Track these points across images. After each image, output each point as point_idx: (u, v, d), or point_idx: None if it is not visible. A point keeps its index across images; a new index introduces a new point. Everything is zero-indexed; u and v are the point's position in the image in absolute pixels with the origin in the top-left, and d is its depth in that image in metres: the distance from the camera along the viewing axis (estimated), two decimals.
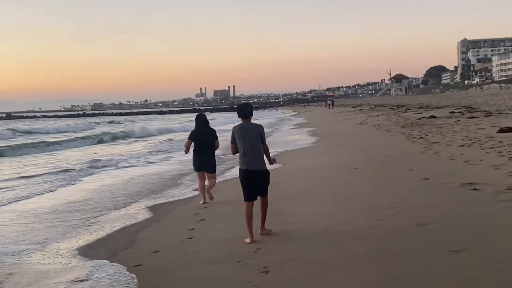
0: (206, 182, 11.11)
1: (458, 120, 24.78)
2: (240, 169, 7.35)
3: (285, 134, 31.02)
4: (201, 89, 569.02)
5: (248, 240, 7.12)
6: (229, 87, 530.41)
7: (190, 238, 7.86)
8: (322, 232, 7.22)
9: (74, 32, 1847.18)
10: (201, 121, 11.00)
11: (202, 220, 9.15)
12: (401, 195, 9.14)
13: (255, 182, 7.25)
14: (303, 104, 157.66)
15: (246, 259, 6.36)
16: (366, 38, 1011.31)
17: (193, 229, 8.47)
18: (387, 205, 8.39)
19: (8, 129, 57.35)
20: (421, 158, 13.61)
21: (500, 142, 14.34)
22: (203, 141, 10.83)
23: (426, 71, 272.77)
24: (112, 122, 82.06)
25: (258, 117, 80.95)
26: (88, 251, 7.71)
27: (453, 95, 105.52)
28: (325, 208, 8.86)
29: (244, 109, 7.35)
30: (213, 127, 11.35)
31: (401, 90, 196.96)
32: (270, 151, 7.77)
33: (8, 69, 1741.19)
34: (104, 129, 57.25)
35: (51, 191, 14.06)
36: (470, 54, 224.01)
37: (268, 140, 8.61)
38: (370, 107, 64.99)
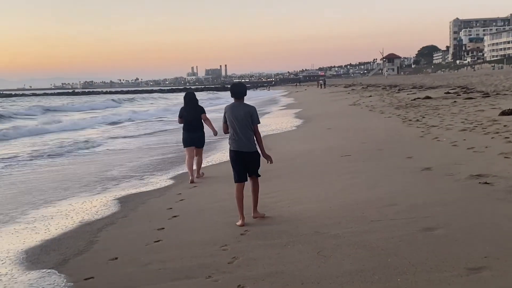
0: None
1: (454, 101, 23.71)
2: (230, 150, 7.23)
3: (273, 116, 29.72)
4: (192, 68, 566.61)
5: (239, 223, 7.02)
6: (220, 66, 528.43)
7: (157, 241, 6.72)
8: (311, 237, 6.10)
9: (64, 9, 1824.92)
10: (189, 99, 11.38)
11: (175, 217, 7.99)
12: (401, 189, 8.06)
13: (244, 163, 7.13)
14: (295, 84, 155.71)
15: (219, 273, 5.24)
16: (358, 18, 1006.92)
17: (163, 228, 7.34)
18: (385, 202, 7.30)
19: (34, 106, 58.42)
20: (420, 143, 12.52)
21: (505, 126, 13.29)
22: (191, 117, 11.19)
23: (418, 51, 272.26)
24: (132, 99, 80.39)
25: (249, 97, 79.69)
26: (37, 256, 6.58)
27: (446, 75, 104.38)
28: (315, 204, 7.74)
29: (237, 88, 7.21)
30: (201, 105, 11.66)
31: (393, 70, 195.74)
32: None
33: None
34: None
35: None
36: (462, 33, 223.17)
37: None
38: (363, 87, 63.81)
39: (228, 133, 7.24)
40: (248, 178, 7.26)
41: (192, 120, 11.22)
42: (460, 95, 28.39)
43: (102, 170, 13.51)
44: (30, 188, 11.40)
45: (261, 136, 7.40)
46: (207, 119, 11.24)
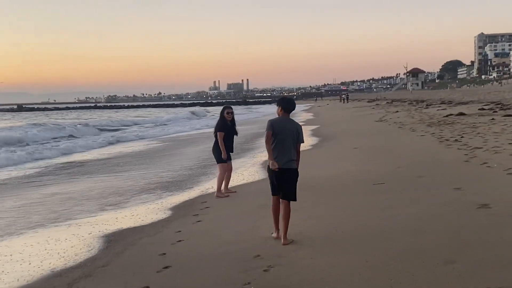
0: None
1: (493, 119, 21.67)
2: (268, 166, 6.95)
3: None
4: (214, 82, 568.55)
5: (274, 235, 7.05)
6: (242, 80, 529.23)
7: None
8: None
9: (89, 24, 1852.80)
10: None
11: (166, 268, 6.25)
12: (458, 234, 6.24)
13: (282, 180, 6.87)
14: (314, 98, 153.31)
15: None
16: (381, 32, 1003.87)
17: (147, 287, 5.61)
18: (439, 257, 5.47)
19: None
20: (466, 170, 10.64)
21: None
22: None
23: (442, 66, 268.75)
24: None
25: (267, 112, 77.91)
26: None
27: (474, 90, 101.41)
28: (346, 257, 5.93)
29: (290, 105, 7.11)
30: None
31: (417, 84, 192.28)
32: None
33: (23, 61, 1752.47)
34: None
35: None
36: (487, 48, 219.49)
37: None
38: (387, 102, 61.65)
39: (270, 141, 6.86)
40: (280, 202, 6.95)
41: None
42: (496, 111, 26.31)
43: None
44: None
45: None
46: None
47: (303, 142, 7.06)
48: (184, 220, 8.93)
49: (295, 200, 6.97)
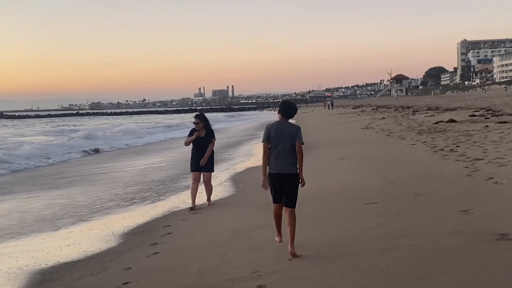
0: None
1: (486, 126, 20.38)
2: (269, 173, 6.60)
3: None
4: (199, 88, 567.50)
5: (277, 239, 6.88)
6: (227, 87, 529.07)
7: None
8: None
9: (72, 31, 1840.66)
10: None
11: None
12: (477, 279, 4.80)
13: (282, 186, 6.53)
14: (298, 105, 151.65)
15: None
16: (365, 39, 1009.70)
17: None
18: None
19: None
20: (471, 187, 9.22)
21: None
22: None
23: (426, 72, 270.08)
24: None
25: (249, 118, 76.42)
26: None
27: (460, 96, 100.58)
28: None
29: (291, 109, 6.80)
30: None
31: (401, 91, 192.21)
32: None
33: (7, 68, 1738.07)
34: None
35: None
36: (470, 55, 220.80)
37: (251, 149, 5.59)
38: (373, 109, 60.45)
39: (267, 154, 6.60)
40: (284, 210, 6.60)
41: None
42: (488, 118, 25.07)
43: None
44: None
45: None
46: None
47: (301, 142, 6.59)
48: (138, 252, 7.40)
49: (295, 206, 6.57)
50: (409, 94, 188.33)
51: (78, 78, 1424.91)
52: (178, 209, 10.49)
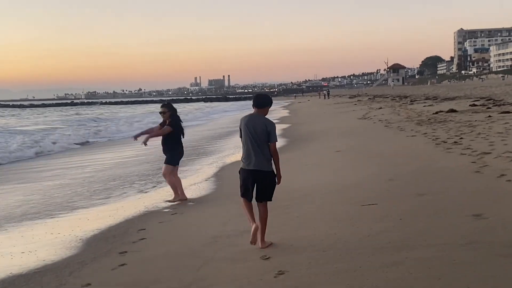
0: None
1: (489, 116, 19.45)
2: (241, 168, 6.30)
3: None
4: (196, 78, 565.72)
5: (252, 227, 6.10)
6: (224, 76, 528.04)
7: None
8: None
9: (67, 20, 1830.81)
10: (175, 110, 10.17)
11: None
12: None
13: (255, 184, 6.22)
14: (293, 95, 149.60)
15: None
16: (361, 29, 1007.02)
17: None
18: None
19: None
20: (481, 186, 8.26)
21: None
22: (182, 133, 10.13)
23: (422, 62, 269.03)
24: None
25: (242, 107, 74.73)
26: None
27: (458, 85, 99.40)
28: None
29: (260, 98, 6.45)
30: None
31: (398, 80, 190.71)
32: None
33: (2, 57, 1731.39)
34: None
35: None
36: (467, 44, 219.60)
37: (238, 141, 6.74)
38: (369, 98, 59.48)
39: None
40: (257, 203, 6.32)
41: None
42: (490, 108, 24.13)
43: None
44: None
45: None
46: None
47: (275, 141, 6.25)
48: (103, 262, 6.43)
49: (270, 200, 6.35)
50: (406, 83, 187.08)
51: (74, 67, 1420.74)
52: (157, 208, 9.54)
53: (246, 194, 6.27)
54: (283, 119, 35.60)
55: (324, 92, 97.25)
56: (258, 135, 6.15)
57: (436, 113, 23.94)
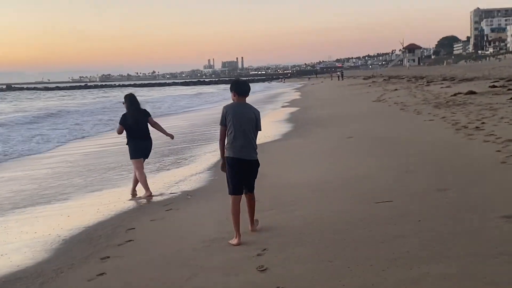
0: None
1: (511, 99, 18.40)
2: (228, 157, 6.02)
3: (275, 115, 24.57)
4: (209, 60, 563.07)
5: (234, 241, 5.89)
6: (237, 58, 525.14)
7: None
8: None
9: (84, 3, 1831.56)
10: (131, 101, 9.42)
11: None
12: None
13: (244, 174, 6.05)
14: (307, 77, 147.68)
15: None
16: (376, 8, 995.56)
17: None
18: None
19: None
20: (509, 178, 7.38)
21: None
22: (140, 123, 9.33)
23: (438, 42, 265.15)
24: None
25: (253, 91, 73.04)
26: None
27: (475, 65, 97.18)
28: None
29: (245, 86, 6.17)
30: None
31: (413, 60, 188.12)
32: None
33: (17, 40, 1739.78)
34: None
35: None
36: (483, 23, 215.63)
37: None
38: (384, 79, 58.15)
39: (224, 138, 6.09)
40: (246, 195, 6.17)
41: (140, 126, 9.31)
42: (511, 89, 23.00)
43: None
44: None
45: None
46: (156, 123, 9.57)
47: (260, 129, 6.18)
48: (81, 270, 5.66)
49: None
50: (422, 64, 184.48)
51: (89, 49, 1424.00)
52: (152, 202, 8.81)
53: (238, 189, 6.06)
54: (294, 102, 34.62)
55: (338, 73, 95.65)
56: (250, 124, 6.00)
57: (455, 95, 22.87)
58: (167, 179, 10.64)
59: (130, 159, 9.44)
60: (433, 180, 7.77)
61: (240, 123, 5.96)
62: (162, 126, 9.69)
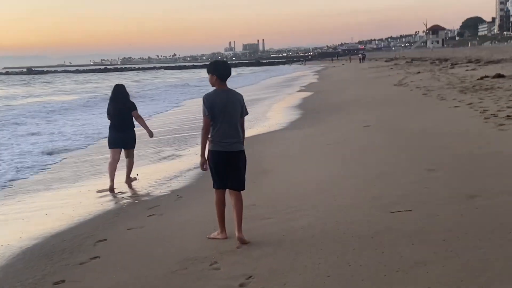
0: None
1: None
2: (211, 151, 5.45)
3: (288, 100, 23.53)
4: (230, 43, 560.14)
5: (220, 236, 5.54)
6: (258, 40, 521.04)
7: None
8: None
9: None
10: (117, 92, 9.31)
11: None
12: None
13: (229, 166, 5.43)
14: (330, 59, 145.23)
15: None
16: None
17: None
18: None
19: None
20: None
21: None
22: (121, 113, 9.18)
23: (462, 23, 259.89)
24: None
25: (275, 73, 71.70)
26: None
27: (500, 47, 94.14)
28: None
29: (227, 69, 5.52)
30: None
31: (437, 42, 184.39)
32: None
33: (40, 24, 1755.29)
34: None
35: None
36: (509, 4, 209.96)
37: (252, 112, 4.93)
38: (407, 61, 56.29)
39: (208, 131, 5.41)
40: (229, 193, 5.50)
41: (122, 117, 9.18)
42: None
43: None
44: None
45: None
46: (140, 117, 9.44)
47: (247, 114, 5.70)
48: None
49: (244, 189, 5.55)
50: (446, 45, 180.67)
51: (110, 33, 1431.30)
52: (133, 204, 7.78)
53: (223, 182, 5.48)
54: (310, 86, 33.27)
55: (360, 55, 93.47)
56: (236, 114, 5.48)
57: (481, 78, 21.40)
58: (162, 174, 9.70)
59: (109, 148, 9.31)
60: (460, 182, 6.58)
61: (226, 114, 5.39)
62: (145, 122, 9.61)
